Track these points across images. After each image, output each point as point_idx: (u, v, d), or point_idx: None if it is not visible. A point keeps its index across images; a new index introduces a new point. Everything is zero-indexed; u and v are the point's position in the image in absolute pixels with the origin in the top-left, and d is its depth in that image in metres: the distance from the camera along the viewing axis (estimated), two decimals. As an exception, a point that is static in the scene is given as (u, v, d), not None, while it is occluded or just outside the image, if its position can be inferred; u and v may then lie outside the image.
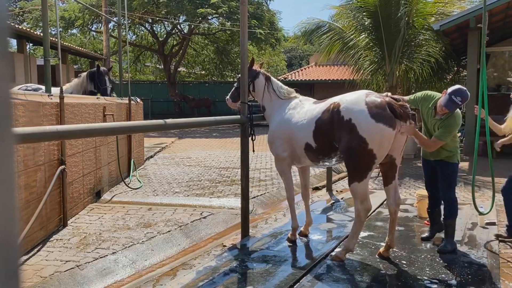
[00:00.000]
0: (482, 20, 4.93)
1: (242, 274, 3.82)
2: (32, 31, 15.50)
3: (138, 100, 9.45)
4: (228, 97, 5.01)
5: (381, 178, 4.20)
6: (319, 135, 4.01)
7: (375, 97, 3.79)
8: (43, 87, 7.10)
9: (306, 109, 4.26)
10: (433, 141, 4.15)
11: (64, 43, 17.54)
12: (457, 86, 4.09)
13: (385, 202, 5.48)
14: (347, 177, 5.31)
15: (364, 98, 3.77)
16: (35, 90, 6.86)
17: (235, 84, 5.00)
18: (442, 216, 4.51)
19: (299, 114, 4.27)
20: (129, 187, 7.50)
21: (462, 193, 7.17)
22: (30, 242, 4.49)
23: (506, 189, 4.72)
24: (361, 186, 3.82)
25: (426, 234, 4.71)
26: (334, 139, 3.90)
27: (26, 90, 6.54)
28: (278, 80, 5.08)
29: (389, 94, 4.05)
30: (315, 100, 4.49)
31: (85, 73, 7.75)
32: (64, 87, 5.86)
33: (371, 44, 11.73)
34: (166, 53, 27.57)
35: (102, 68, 7.71)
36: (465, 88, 4.03)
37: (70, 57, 21.42)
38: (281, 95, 4.61)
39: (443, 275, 3.70)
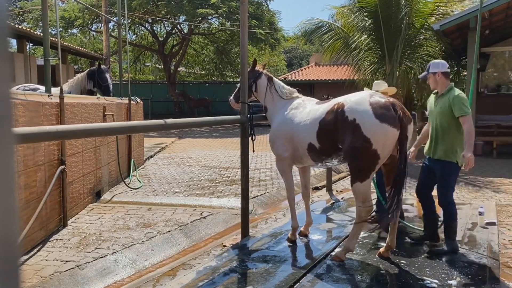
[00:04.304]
0: (484, 19, 5.04)
1: (242, 274, 3.82)
2: (32, 31, 15.48)
3: (138, 100, 9.45)
4: (231, 97, 5.02)
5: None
6: (323, 136, 4.00)
7: (379, 98, 3.79)
8: (41, 87, 7.08)
9: (309, 109, 4.26)
10: (462, 122, 4.01)
11: (64, 43, 17.53)
12: (436, 61, 4.44)
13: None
14: (347, 177, 5.32)
15: (368, 98, 3.77)
16: (33, 90, 6.84)
17: (238, 85, 5.01)
18: (441, 221, 4.44)
19: (302, 114, 4.27)
20: (129, 187, 7.50)
21: (462, 193, 7.17)
22: (30, 242, 4.49)
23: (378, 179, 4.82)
24: (363, 186, 3.82)
25: (417, 235, 4.62)
26: (338, 139, 3.89)
27: (24, 90, 6.53)
28: (278, 80, 5.09)
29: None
30: (317, 100, 4.48)
31: (83, 72, 7.71)
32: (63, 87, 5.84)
33: (371, 44, 11.73)
34: (166, 53, 27.57)
35: (102, 66, 7.67)
36: (437, 61, 4.46)
37: (70, 57, 21.42)
38: (283, 95, 4.62)
39: (443, 275, 3.69)
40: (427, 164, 4.40)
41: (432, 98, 4.43)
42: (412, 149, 4.64)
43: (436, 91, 4.35)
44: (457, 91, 4.17)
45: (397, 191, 3.86)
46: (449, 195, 4.25)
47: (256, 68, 4.83)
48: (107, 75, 7.50)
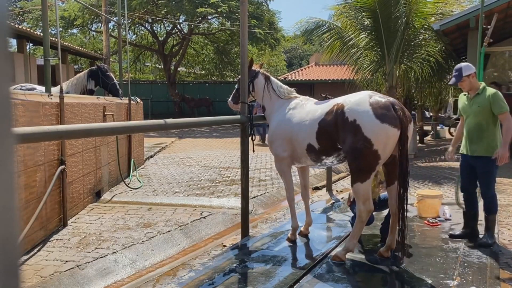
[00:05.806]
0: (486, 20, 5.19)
1: (242, 274, 3.82)
2: (32, 31, 15.47)
3: (138, 100, 9.45)
4: (229, 99, 5.01)
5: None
6: (322, 137, 4.00)
7: (379, 98, 3.80)
8: (37, 87, 7.06)
9: (307, 109, 4.26)
10: (502, 119, 4.26)
11: (64, 43, 17.52)
12: (466, 64, 4.55)
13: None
14: (347, 177, 5.30)
15: (368, 99, 3.77)
16: (30, 90, 6.81)
17: (236, 86, 5.01)
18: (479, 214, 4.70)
19: (301, 115, 4.27)
20: (129, 187, 7.49)
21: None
22: (30, 242, 4.49)
23: None
24: (363, 187, 3.82)
25: (457, 232, 4.76)
26: (338, 140, 3.89)
27: (20, 89, 6.50)
28: (278, 80, 5.09)
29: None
30: (316, 100, 4.48)
31: (83, 72, 7.66)
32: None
33: (371, 44, 11.73)
34: (166, 53, 27.56)
35: (102, 65, 7.63)
36: (465, 64, 4.57)
37: (70, 57, 21.41)
38: (281, 95, 4.62)
39: (443, 275, 3.69)
40: (466, 161, 4.60)
41: (464, 98, 4.62)
42: (450, 149, 4.87)
43: (465, 92, 4.55)
44: (492, 89, 4.38)
45: (403, 190, 3.87)
46: (492, 188, 4.47)
47: (253, 68, 4.82)
48: (111, 74, 7.49)
